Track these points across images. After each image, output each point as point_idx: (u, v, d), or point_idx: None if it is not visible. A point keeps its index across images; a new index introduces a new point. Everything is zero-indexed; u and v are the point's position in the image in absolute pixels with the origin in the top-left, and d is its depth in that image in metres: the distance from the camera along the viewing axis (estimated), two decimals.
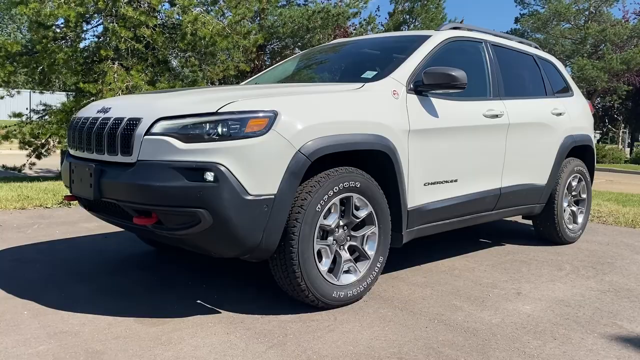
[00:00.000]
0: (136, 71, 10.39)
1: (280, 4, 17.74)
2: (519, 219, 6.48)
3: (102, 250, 4.59)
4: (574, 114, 5.40)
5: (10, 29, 42.74)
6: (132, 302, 3.31)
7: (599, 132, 35.19)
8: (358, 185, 3.29)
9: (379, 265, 3.49)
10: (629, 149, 33.79)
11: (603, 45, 28.85)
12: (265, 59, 17.92)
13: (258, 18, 17.04)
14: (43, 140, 11.16)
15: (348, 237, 3.38)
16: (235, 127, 2.87)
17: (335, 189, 3.17)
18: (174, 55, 12.19)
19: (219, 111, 2.89)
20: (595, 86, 26.38)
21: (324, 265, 3.22)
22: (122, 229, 5.18)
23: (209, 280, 3.80)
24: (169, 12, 11.53)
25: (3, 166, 11.70)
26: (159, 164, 2.87)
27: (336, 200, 3.22)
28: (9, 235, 4.99)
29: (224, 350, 2.68)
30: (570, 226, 5.36)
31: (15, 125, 11.26)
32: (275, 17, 17.02)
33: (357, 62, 4.58)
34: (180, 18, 11.20)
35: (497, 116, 4.38)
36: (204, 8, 12.20)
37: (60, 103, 11.45)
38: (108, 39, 10.58)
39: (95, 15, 10.83)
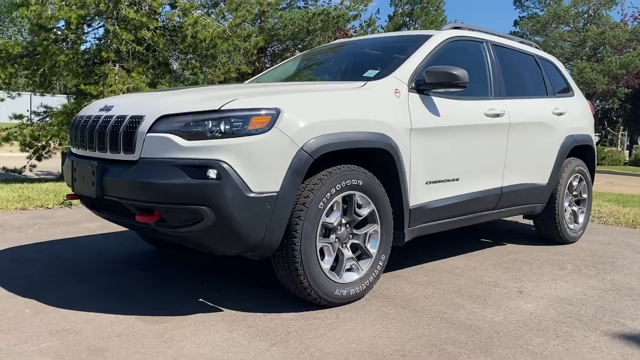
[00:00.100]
0: (137, 73, 10.40)
1: (280, 6, 17.76)
2: (519, 219, 6.48)
3: (103, 250, 4.59)
4: (575, 114, 5.41)
5: (11, 31, 42.79)
6: (133, 301, 3.31)
7: (598, 134, 35.19)
8: (360, 184, 3.29)
9: (381, 264, 3.48)
10: (627, 151, 33.80)
11: (602, 47, 28.87)
12: (266, 61, 17.94)
13: (259, 20, 17.08)
14: (44, 142, 11.16)
15: (350, 235, 3.38)
16: (237, 124, 2.87)
17: (338, 187, 3.17)
18: (175, 57, 12.21)
19: (221, 109, 2.89)
20: (595, 89, 26.39)
21: (327, 263, 3.22)
22: (123, 229, 5.20)
23: (211, 279, 3.79)
24: (170, 15, 11.55)
25: (4, 168, 11.71)
26: (162, 161, 2.87)
27: (338, 198, 3.22)
28: (10, 235, 4.99)
29: (226, 348, 2.68)
30: (571, 226, 5.36)
31: (16, 127, 11.26)
32: (276, 20, 17.04)
33: (359, 61, 4.59)
34: (181, 20, 11.22)
35: (498, 115, 4.38)
36: (205, 10, 12.22)
37: (61, 105, 11.45)
38: (109, 41, 10.59)
39: (97, 17, 10.84)
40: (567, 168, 5.22)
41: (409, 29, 20.72)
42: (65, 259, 4.22)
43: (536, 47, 5.57)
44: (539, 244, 5.29)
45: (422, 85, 3.77)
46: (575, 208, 5.48)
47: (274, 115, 2.94)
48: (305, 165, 3.00)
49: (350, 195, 3.29)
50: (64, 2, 9.87)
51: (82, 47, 11.21)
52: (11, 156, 14.09)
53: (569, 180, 5.28)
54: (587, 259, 4.75)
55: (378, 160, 3.50)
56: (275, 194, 2.92)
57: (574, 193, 5.46)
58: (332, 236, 3.26)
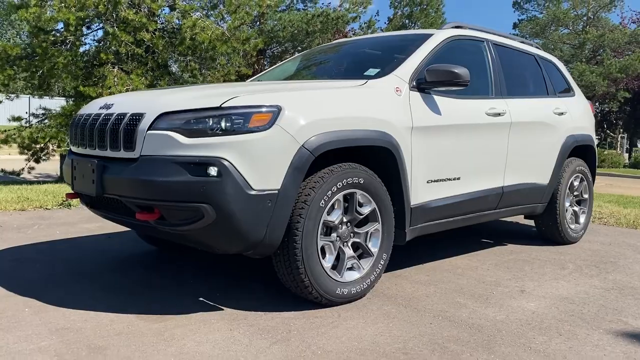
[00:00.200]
0: (136, 75, 10.39)
1: (280, 8, 17.77)
2: (520, 219, 6.47)
3: (103, 250, 4.57)
4: (576, 114, 5.40)
5: (10, 34, 42.78)
6: (133, 300, 3.29)
7: (597, 137, 35.18)
8: (362, 182, 3.27)
9: (382, 263, 3.47)
10: (627, 154, 33.81)
11: (601, 50, 28.92)
12: (265, 63, 17.93)
13: (258, 22, 17.08)
14: (42, 145, 11.15)
15: (351, 234, 3.36)
16: (238, 121, 2.86)
17: (339, 185, 3.16)
18: (174, 59, 12.20)
19: (222, 106, 2.87)
20: (595, 91, 26.43)
21: (328, 262, 3.20)
22: (123, 229, 5.19)
23: (211, 278, 3.77)
24: (169, 17, 11.54)
25: (2, 170, 11.68)
26: (162, 159, 2.86)
27: (340, 196, 3.20)
28: (9, 235, 4.96)
29: (227, 346, 2.66)
30: (573, 226, 5.35)
31: (14, 129, 11.24)
32: (275, 22, 17.05)
33: (359, 60, 4.57)
34: (180, 22, 11.22)
35: (499, 115, 4.37)
36: (204, 12, 12.22)
37: (60, 107, 11.44)
38: (108, 43, 10.58)
39: (96, 19, 10.83)
40: (568, 168, 5.21)
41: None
42: (64, 259, 4.20)
43: (537, 47, 5.56)
44: (540, 244, 5.27)
45: (423, 84, 3.76)
46: (576, 208, 5.47)
47: (275, 112, 2.93)
48: (307, 162, 2.99)
49: (352, 193, 3.27)
50: (63, 4, 9.86)
51: (81, 49, 11.21)
52: (10, 159, 14.06)
53: (570, 180, 5.27)
54: (589, 259, 4.73)
55: (379, 159, 3.49)
56: (277, 191, 2.90)
57: (575, 193, 5.45)
58: (334, 235, 3.25)
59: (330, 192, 3.11)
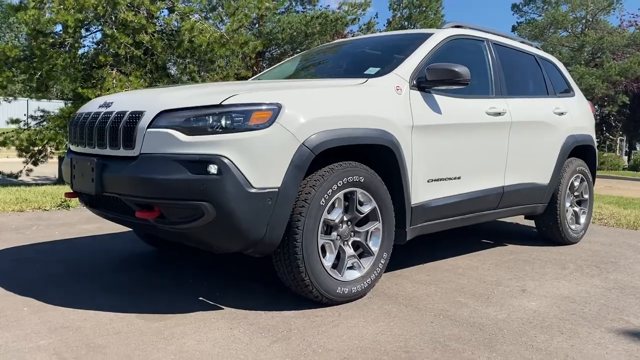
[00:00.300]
0: (135, 77, 10.39)
1: (279, 10, 17.78)
2: (520, 220, 6.45)
3: (102, 250, 4.55)
4: (576, 114, 5.39)
5: (8, 37, 42.75)
6: (133, 300, 3.27)
7: (596, 139, 35.15)
8: (362, 180, 3.26)
9: (382, 262, 3.45)
10: (626, 157, 33.84)
11: (600, 53, 28.96)
12: (264, 65, 17.93)
13: (257, 25, 17.09)
14: (40, 147, 11.13)
15: (352, 233, 3.35)
16: (238, 119, 2.84)
17: (340, 183, 3.14)
18: (173, 61, 12.19)
19: (222, 103, 2.86)
20: (594, 94, 26.47)
21: (328, 261, 3.19)
22: (122, 230, 5.17)
23: (211, 278, 3.76)
24: (168, 19, 11.54)
25: (0, 173, 11.67)
26: (162, 156, 2.84)
27: (340, 194, 3.19)
28: (7, 236, 4.94)
29: (227, 345, 2.64)
30: (573, 226, 5.33)
31: (12, 131, 11.23)
32: (274, 24, 17.05)
33: (359, 60, 4.56)
34: (179, 25, 11.22)
35: (499, 114, 4.36)
36: (203, 15, 12.22)
37: (59, 109, 11.44)
38: (107, 45, 10.58)
39: (95, 21, 10.83)
40: (568, 168, 5.20)
41: None
42: (64, 259, 4.18)
43: (536, 47, 5.56)
44: (540, 244, 5.26)
45: (424, 83, 3.75)
46: (576, 209, 5.46)
47: (275, 110, 2.92)
48: (307, 160, 2.97)
49: (352, 192, 3.26)
50: (61, 6, 9.85)
51: (80, 52, 11.21)
52: (8, 162, 14.06)
53: (570, 181, 5.26)
54: (589, 259, 4.72)
55: (379, 158, 3.47)
56: (277, 189, 2.89)
57: (576, 193, 5.44)
58: (334, 233, 3.23)
59: (330, 191, 3.10)
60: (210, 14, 12.72)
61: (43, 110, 11.75)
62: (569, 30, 32.10)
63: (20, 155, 11.34)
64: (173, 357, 2.49)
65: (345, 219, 3.29)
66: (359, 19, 16.93)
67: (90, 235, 5.08)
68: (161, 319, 2.95)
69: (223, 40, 11.33)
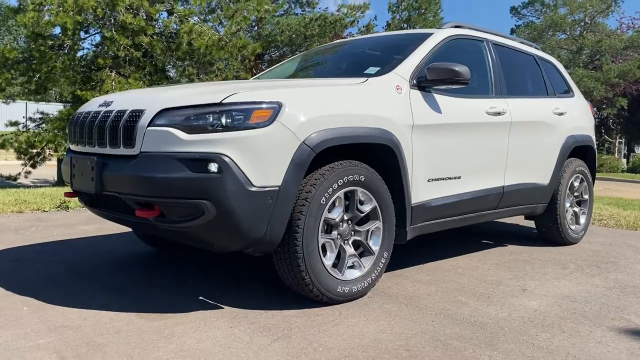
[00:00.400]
0: (134, 79, 10.39)
1: (278, 13, 17.80)
2: (520, 220, 6.45)
3: (102, 250, 4.54)
4: (575, 114, 5.39)
5: (7, 40, 42.74)
6: (133, 299, 3.26)
7: (596, 142, 35.19)
8: (362, 179, 3.25)
9: (383, 261, 3.44)
10: (625, 159, 33.87)
11: (599, 55, 29.01)
12: (263, 67, 17.94)
13: (256, 27, 17.10)
14: (39, 149, 11.12)
15: (352, 232, 3.34)
16: (239, 118, 2.84)
17: (340, 182, 3.14)
18: (172, 64, 12.21)
19: (222, 102, 2.86)
20: (593, 97, 26.50)
21: (329, 260, 3.18)
22: (123, 230, 5.16)
23: (211, 278, 3.75)
24: (167, 22, 11.55)
25: None
26: (162, 155, 2.84)
27: (340, 193, 3.18)
28: (6, 237, 4.93)
29: (228, 343, 2.64)
30: (573, 227, 5.33)
31: (11, 134, 11.23)
32: (273, 26, 17.06)
33: (359, 60, 4.56)
34: (178, 27, 11.23)
35: (499, 114, 4.36)
36: (202, 17, 12.23)
37: (57, 111, 11.44)
38: (106, 47, 10.58)
39: (94, 23, 10.84)
40: (568, 168, 5.19)
41: None
42: (64, 260, 4.17)
43: (536, 47, 5.56)
44: (540, 245, 5.25)
45: (424, 82, 3.74)
46: (576, 209, 5.45)
47: (276, 109, 2.91)
48: (307, 159, 2.97)
49: (352, 191, 3.25)
50: (61, 8, 9.86)
51: (79, 54, 11.22)
52: (6, 164, 14.05)
53: (570, 181, 5.26)
54: (590, 259, 4.72)
55: (380, 157, 3.47)
56: (277, 188, 2.88)
57: (575, 194, 5.44)
58: (334, 232, 3.23)
59: (331, 190, 3.09)
60: (209, 17, 12.74)
61: (42, 113, 11.74)
62: (568, 33, 32.15)
63: (18, 158, 11.33)
64: (173, 355, 2.49)
65: (345, 217, 3.28)
66: (358, 21, 16.97)
67: (89, 236, 5.07)
68: (161, 318, 2.94)
69: (221, 42, 11.34)
